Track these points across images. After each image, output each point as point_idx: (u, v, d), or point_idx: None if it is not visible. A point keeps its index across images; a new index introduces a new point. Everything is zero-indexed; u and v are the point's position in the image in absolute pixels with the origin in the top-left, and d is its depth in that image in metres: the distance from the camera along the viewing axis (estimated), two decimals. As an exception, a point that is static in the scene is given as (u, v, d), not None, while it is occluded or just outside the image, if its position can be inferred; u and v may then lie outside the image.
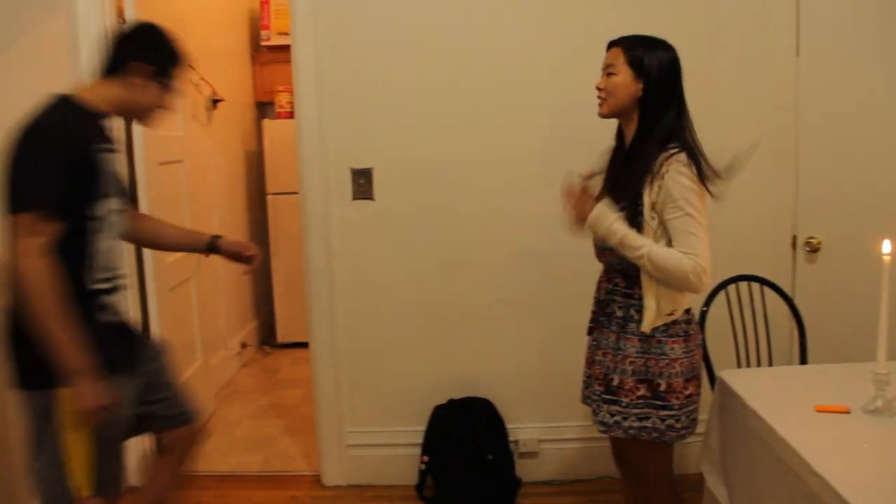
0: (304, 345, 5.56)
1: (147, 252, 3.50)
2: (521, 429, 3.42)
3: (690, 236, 2.03)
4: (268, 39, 5.76)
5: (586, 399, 2.38)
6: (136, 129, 3.42)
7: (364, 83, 3.24)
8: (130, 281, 3.43)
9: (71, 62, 3.16)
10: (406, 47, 3.22)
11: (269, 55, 5.89)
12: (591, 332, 2.36)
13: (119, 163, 2.25)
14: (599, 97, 2.20)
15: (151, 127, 2.30)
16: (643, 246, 2.06)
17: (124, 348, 2.25)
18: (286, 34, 5.56)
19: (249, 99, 5.95)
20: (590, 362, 2.35)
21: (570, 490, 3.36)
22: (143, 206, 3.46)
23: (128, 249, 3.41)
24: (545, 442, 3.42)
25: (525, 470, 3.42)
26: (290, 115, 5.56)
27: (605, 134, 2.37)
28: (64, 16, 3.12)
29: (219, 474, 3.65)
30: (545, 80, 3.21)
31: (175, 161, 3.92)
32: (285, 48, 5.53)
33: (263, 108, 6.17)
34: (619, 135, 2.32)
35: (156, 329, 3.58)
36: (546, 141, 3.24)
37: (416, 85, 3.23)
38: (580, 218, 2.18)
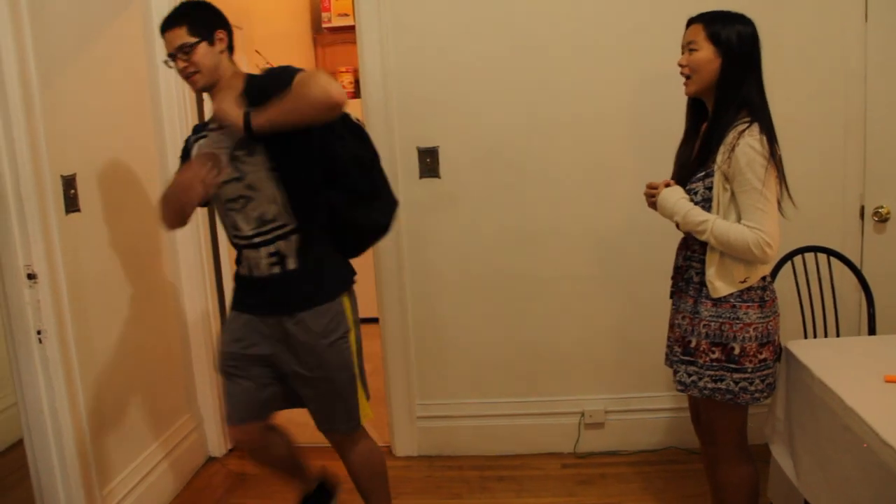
0: (371, 320, 5.71)
1: (222, 235, 3.63)
2: (588, 399, 3.47)
3: (756, 210, 2.07)
4: (329, 21, 5.86)
5: (670, 362, 2.43)
6: (209, 113, 3.52)
7: (429, 61, 3.28)
8: (205, 260, 3.57)
9: (147, 58, 3.29)
10: (471, 23, 3.25)
11: (330, 37, 5.98)
12: (671, 296, 2.43)
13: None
14: (683, 74, 2.24)
15: (213, 99, 2.37)
16: (705, 221, 2.13)
17: (244, 294, 2.49)
18: (346, 15, 5.70)
19: (312, 80, 6.04)
20: (671, 326, 2.40)
21: (635, 460, 3.41)
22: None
23: (203, 228, 3.55)
24: (611, 413, 3.47)
25: (591, 440, 3.48)
26: (353, 96, 5.66)
27: (679, 111, 2.39)
28: (138, 13, 3.25)
29: (296, 445, 3.77)
30: (616, 55, 3.21)
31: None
32: (346, 29, 5.71)
33: (326, 89, 6.26)
34: (690, 114, 2.36)
35: (229, 305, 3.70)
36: (620, 115, 3.26)
37: (481, 61, 3.27)
38: (654, 202, 2.29)
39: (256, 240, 2.34)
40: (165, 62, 2.35)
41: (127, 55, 3.16)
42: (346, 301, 2.47)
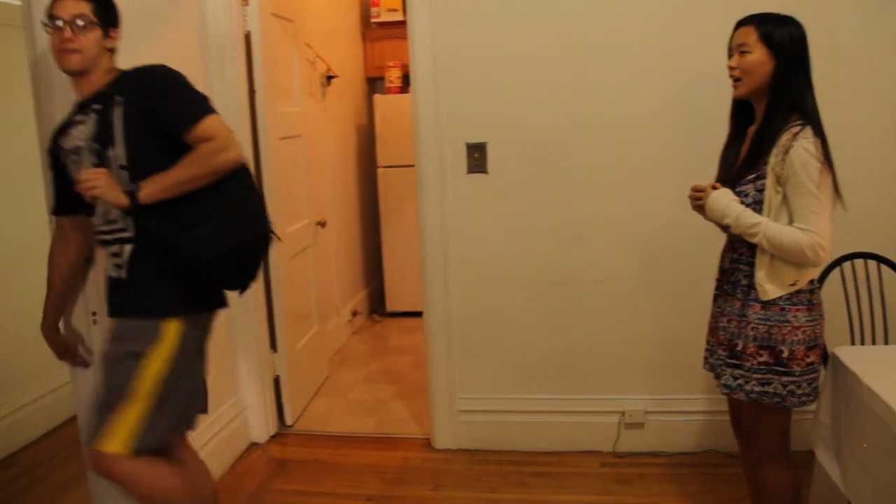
0: (412, 314, 5.80)
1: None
2: (628, 399, 3.46)
3: (810, 213, 2.06)
4: (377, 16, 5.90)
5: (710, 366, 2.42)
6: (260, 106, 3.59)
7: (479, 57, 3.30)
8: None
9: (201, 51, 3.36)
10: (521, 20, 3.26)
11: (379, 31, 6.02)
12: (715, 299, 2.41)
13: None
14: (733, 77, 2.22)
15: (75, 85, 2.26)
16: (758, 223, 2.12)
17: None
18: (395, 10, 5.75)
19: (360, 75, 6.11)
20: (713, 329, 2.40)
21: (675, 462, 3.39)
22: (266, 179, 3.64)
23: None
24: (651, 413, 3.46)
25: (630, 440, 3.48)
26: (400, 90, 5.71)
27: (721, 112, 2.39)
28: (194, 6, 3.32)
29: (335, 434, 3.84)
30: (660, 56, 3.20)
31: (294, 136, 4.09)
32: (394, 24, 5.76)
33: (374, 84, 6.33)
34: (735, 116, 2.35)
35: (277, 295, 3.78)
36: (665, 116, 3.24)
37: (531, 58, 3.27)
38: (700, 205, 2.27)
39: (101, 237, 2.26)
40: (45, 24, 2.17)
41: (182, 46, 3.22)
42: (170, 326, 2.20)
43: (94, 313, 2.59)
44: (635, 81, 3.24)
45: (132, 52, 2.81)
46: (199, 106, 2.15)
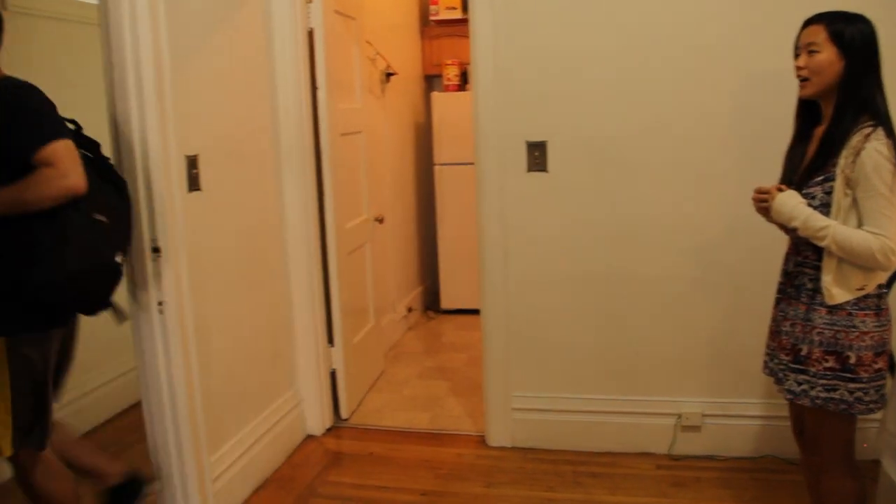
0: (466, 311, 5.81)
1: (329, 215, 3.73)
2: (685, 402, 3.43)
3: (881, 217, 2.02)
4: (436, 14, 5.92)
5: (770, 370, 2.38)
6: (322, 102, 3.64)
7: (540, 55, 3.29)
8: (312, 246, 3.68)
9: (266, 47, 3.42)
10: (583, 18, 3.24)
11: (437, 29, 6.04)
12: (778, 303, 2.36)
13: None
14: (801, 77, 2.17)
15: None
16: (827, 226, 2.08)
17: None
18: (454, 8, 5.76)
19: (418, 72, 6.14)
20: (774, 333, 2.35)
21: (731, 466, 3.34)
22: (326, 175, 3.69)
23: (312, 213, 3.66)
24: (708, 417, 3.41)
25: (686, 443, 3.44)
26: (458, 88, 5.72)
27: (784, 112, 2.35)
28: (259, 4, 3.37)
29: (389, 429, 3.87)
30: (723, 54, 3.15)
31: (354, 132, 4.14)
32: (453, 23, 5.78)
33: (431, 81, 6.35)
34: (800, 116, 2.30)
35: (335, 289, 3.82)
36: (726, 115, 3.19)
37: (593, 57, 3.25)
38: (764, 207, 2.23)
39: None
40: None
41: (247, 44, 3.28)
42: None
43: (160, 303, 2.65)
44: (698, 80, 3.19)
45: (198, 50, 2.89)
46: (47, 130, 2.13)
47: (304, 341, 3.74)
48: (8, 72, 2.27)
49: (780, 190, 2.20)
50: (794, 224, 2.14)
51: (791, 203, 2.15)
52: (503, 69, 3.32)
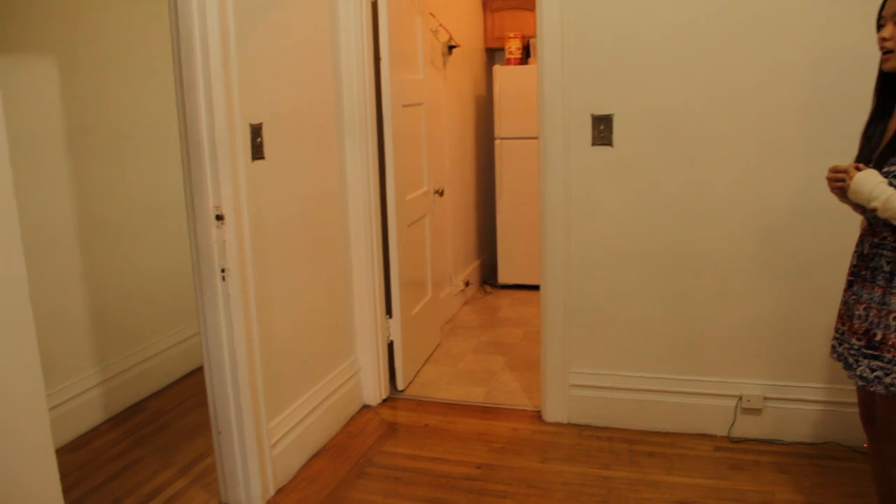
0: (523, 287, 5.79)
1: (390, 187, 3.74)
2: (746, 384, 3.36)
3: None
4: (500, -14, 5.86)
5: (839, 355, 2.31)
6: (384, 73, 3.63)
7: (607, 28, 3.23)
8: (373, 217, 3.69)
9: (329, 16, 3.42)
10: (650, -10, 3.18)
11: (499, 2, 5.98)
12: (850, 285, 2.27)
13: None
14: (885, 48, 2.07)
15: None
16: None
17: None
18: (518, -19, 5.68)
19: (480, 45, 6.09)
20: (846, 316, 2.27)
21: (792, 451, 3.28)
22: (388, 146, 3.69)
23: (373, 184, 3.66)
24: (770, 400, 3.35)
25: (746, 425, 3.38)
26: (520, 62, 5.67)
27: (860, 88, 2.25)
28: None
29: (445, 402, 3.88)
30: (796, 26, 3.04)
31: (416, 104, 4.12)
32: (516, -5, 5.70)
33: (493, 55, 6.30)
34: (880, 91, 2.20)
35: (394, 261, 3.83)
36: (798, 89, 3.09)
37: (659, 29, 3.18)
38: (840, 187, 2.13)
39: None
40: None
41: (312, 14, 3.28)
42: None
43: (223, 270, 2.69)
44: (768, 53, 3.09)
45: (263, 19, 2.90)
46: None
47: (363, 312, 3.76)
48: (81, 40, 2.28)
49: (859, 169, 2.11)
50: (874, 205, 2.03)
51: (871, 182, 2.04)
52: (569, 41, 3.26)
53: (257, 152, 2.85)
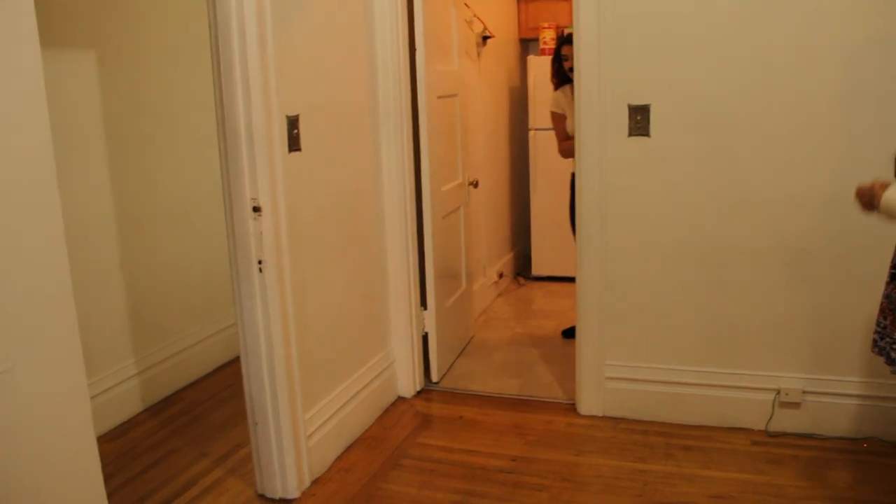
0: (557, 279, 5.77)
1: (425, 178, 3.74)
2: (785, 377, 3.32)
3: None
4: (535, -24, 5.82)
5: (880, 349, 2.27)
6: (420, 64, 3.62)
7: (644, 17, 3.20)
8: (408, 208, 3.69)
9: (365, 7, 3.42)
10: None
11: (534, -8, 5.94)
12: (893, 278, 2.24)
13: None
14: None
15: None
16: None
17: None
18: (554, -29, 5.64)
19: (514, 35, 6.06)
20: (887, 310, 2.24)
21: (831, 446, 3.23)
22: (423, 137, 3.69)
23: (408, 176, 3.66)
24: (809, 394, 3.30)
25: (785, 419, 3.34)
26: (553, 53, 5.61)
27: None
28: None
29: (479, 394, 3.88)
30: (838, 13, 2.99)
31: (451, 95, 4.11)
32: (549, -15, 5.65)
33: (527, 45, 6.27)
34: None
35: (429, 253, 3.83)
36: (838, 81, 3.04)
37: (697, 18, 3.14)
38: (869, 203, 2.10)
39: None
40: None
41: (348, 5, 3.28)
42: None
43: (259, 261, 2.70)
44: (808, 45, 3.04)
45: (302, 10, 2.91)
46: None
47: (398, 303, 3.77)
48: (119, 31, 2.29)
49: (884, 185, 2.06)
50: None
51: None
52: (606, 30, 3.23)
53: (294, 144, 2.86)
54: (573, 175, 3.91)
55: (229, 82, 2.59)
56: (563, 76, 4.25)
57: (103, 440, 3.40)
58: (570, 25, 3.38)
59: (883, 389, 3.15)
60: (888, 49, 2.88)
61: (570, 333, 4.48)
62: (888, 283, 2.26)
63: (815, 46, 3.04)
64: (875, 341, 2.31)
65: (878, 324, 2.30)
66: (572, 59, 3.69)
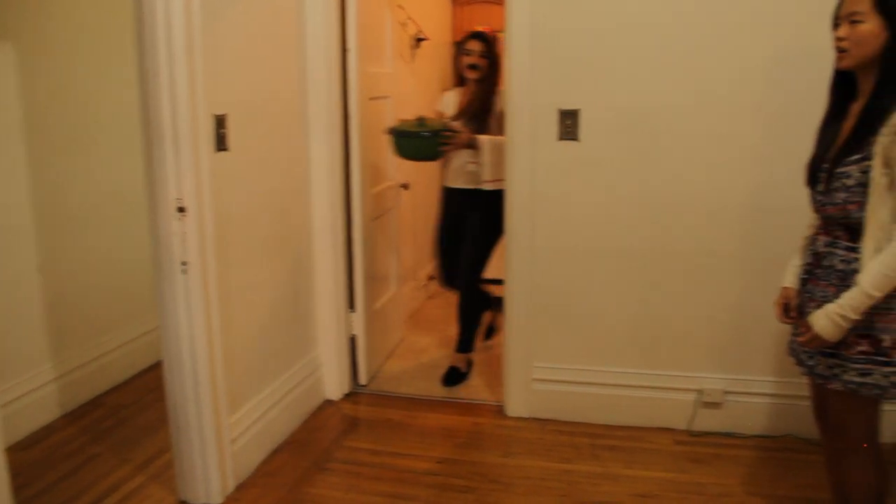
0: (487, 281, 5.77)
1: (355, 179, 3.72)
2: (707, 378, 3.40)
3: None
4: (468, -20, 5.84)
5: (793, 351, 2.33)
6: (352, 65, 3.60)
7: (575, 23, 3.23)
8: (337, 210, 3.66)
9: (296, 4, 3.38)
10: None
11: (468, -5, 5.96)
12: (804, 283, 2.29)
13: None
14: (840, 48, 2.08)
15: None
16: (865, 292, 2.00)
17: None
18: (487, -25, 5.66)
19: (448, 38, 6.07)
20: (800, 314, 2.30)
21: (752, 444, 3.32)
22: (354, 138, 3.67)
23: (338, 177, 3.64)
24: (730, 394, 3.39)
25: (707, 419, 3.42)
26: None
27: (817, 86, 2.27)
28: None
29: (408, 396, 3.87)
30: (764, 23, 3.08)
31: (383, 97, 4.10)
32: (485, -11, 5.67)
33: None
34: (835, 90, 2.22)
35: (358, 255, 3.81)
36: (759, 89, 3.13)
37: (626, 26, 3.20)
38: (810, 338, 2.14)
39: None
40: None
41: (278, 2, 3.24)
42: None
43: (183, 263, 2.65)
44: (731, 52, 3.13)
45: (231, 8, 2.86)
46: None
47: (326, 306, 3.74)
48: (42, 24, 2.22)
49: (806, 327, 2.14)
50: (856, 316, 2.03)
51: (831, 319, 2.06)
52: (538, 36, 3.26)
53: (221, 143, 2.81)
54: (444, 189, 4.15)
55: (154, 78, 2.53)
56: (460, 77, 4.05)
57: (15, 449, 3.27)
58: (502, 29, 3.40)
59: (799, 388, 3.23)
60: (806, 59, 2.97)
61: (488, 334, 4.54)
62: (801, 287, 2.32)
63: (739, 57, 3.12)
64: (790, 343, 2.38)
65: (795, 327, 2.36)
66: (476, 56, 3.76)
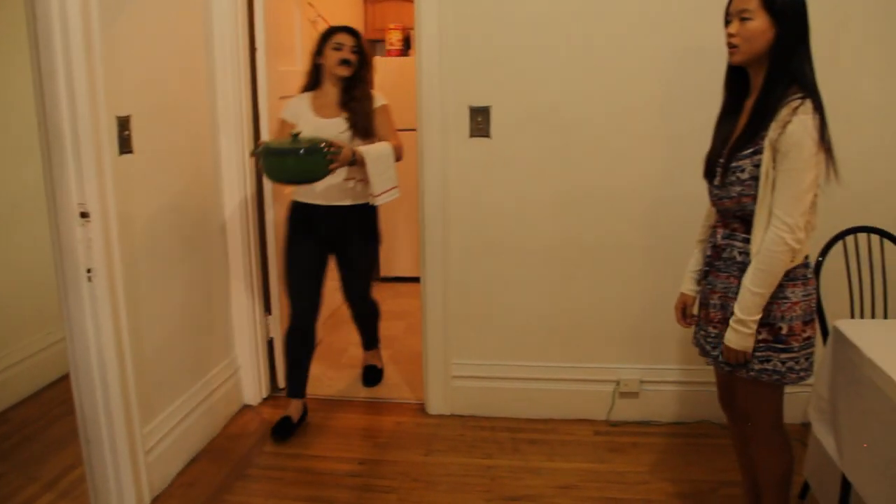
0: (404, 279, 5.78)
1: (267, 184, 3.65)
2: (624, 368, 3.47)
3: (788, 196, 2.00)
4: (379, -23, 5.81)
5: (697, 341, 2.39)
6: (261, 64, 3.54)
7: (485, 21, 3.25)
8: (250, 212, 3.59)
9: (202, 7, 3.31)
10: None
11: (380, -7, 5.94)
12: (705, 275, 2.35)
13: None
14: (731, 44, 2.14)
15: None
16: (752, 291, 2.08)
17: None
18: (398, -28, 5.65)
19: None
20: (702, 305, 2.36)
21: (668, 432, 3.41)
22: (265, 138, 3.60)
23: (250, 179, 3.57)
24: (646, 383, 3.47)
25: (625, 409, 3.49)
26: (400, 53, 5.65)
27: (715, 82, 2.33)
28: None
29: (328, 398, 3.84)
30: (668, 23, 3.15)
31: (293, 95, 4.03)
32: (396, -14, 5.66)
33: (373, 46, 6.24)
34: (729, 86, 2.27)
35: (272, 258, 3.75)
36: (664, 85, 3.21)
37: (537, 23, 3.22)
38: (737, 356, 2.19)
39: None
40: None
41: (183, 3, 3.15)
42: None
43: (88, 270, 2.56)
44: (637, 51, 3.20)
45: (133, 5, 2.77)
46: None
47: (241, 310, 3.67)
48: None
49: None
50: (753, 319, 2.11)
51: (734, 330, 2.14)
52: (448, 33, 3.26)
53: (125, 146, 2.71)
54: (306, 208, 3.48)
55: (51, 80, 2.42)
56: (315, 78, 3.51)
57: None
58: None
59: (708, 375, 3.28)
60: (703, 57, 3.06)
61: (369, 380, 4.08)
62: (702, 279, 2.38)
63: (641, 55, 3.20)
64: (694, 335, 2.44)
65: (699, 318, 2.42)
66: (348, 50, 3.39)
